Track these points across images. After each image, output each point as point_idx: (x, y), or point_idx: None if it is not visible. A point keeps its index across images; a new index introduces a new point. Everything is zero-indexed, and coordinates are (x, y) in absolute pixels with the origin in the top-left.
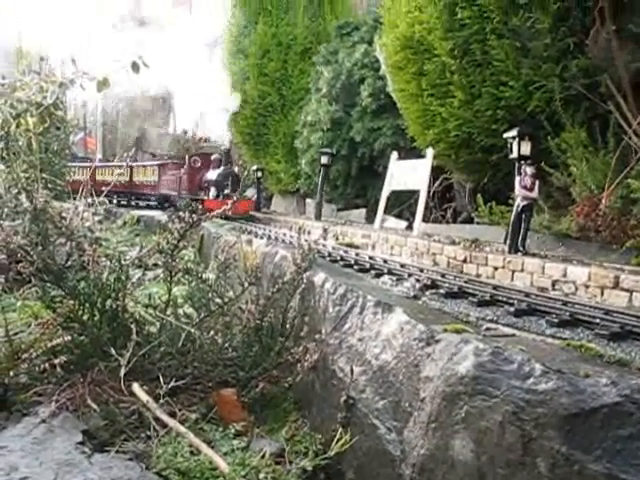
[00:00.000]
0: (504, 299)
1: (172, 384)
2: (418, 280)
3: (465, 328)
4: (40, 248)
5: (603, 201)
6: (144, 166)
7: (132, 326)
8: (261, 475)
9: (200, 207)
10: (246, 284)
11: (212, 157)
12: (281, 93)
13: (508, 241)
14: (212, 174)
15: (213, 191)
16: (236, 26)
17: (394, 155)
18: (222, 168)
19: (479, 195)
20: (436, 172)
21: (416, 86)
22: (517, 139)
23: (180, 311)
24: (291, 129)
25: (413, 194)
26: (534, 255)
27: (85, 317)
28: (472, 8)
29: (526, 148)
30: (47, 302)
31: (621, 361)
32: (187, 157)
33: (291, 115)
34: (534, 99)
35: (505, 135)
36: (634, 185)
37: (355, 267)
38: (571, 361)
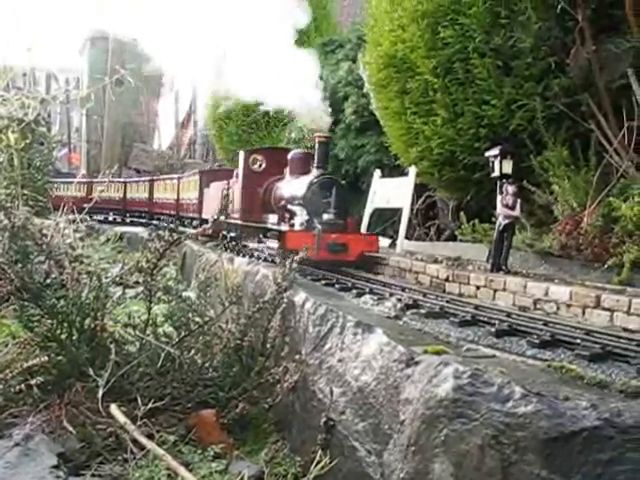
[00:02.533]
0: (485, 319)
1: (151, 405)
2: (399, 300)
3: (445, 349)
4: (19, 266)
5: (585, 219)
6: (188, 178)
7: (111, 346)
8: None
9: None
10: (227, 303)
11: (290, 155)
12: (265, 110)
13: (490, 259)
14: (296, 185)
15: (301, 215)
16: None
17: (377, 173)
18: (315, 173)
19: (462, 213)
20: (420, 190)
21: (399, 104)
22: (499, 157)
23: (160, 330)
24: (276, 146)
25: (396, 212)
26: (516, 274)
27: (63, 336)
28: (454, 27)
29: (508, 166)
30: (24, 321)
31: (602, 383)
32: (243, 154)
33: (275, 132)
34: (516, 118)
35: (487, 154)
36: (615, 203)
37: (337, 286)
38: (551, 383)
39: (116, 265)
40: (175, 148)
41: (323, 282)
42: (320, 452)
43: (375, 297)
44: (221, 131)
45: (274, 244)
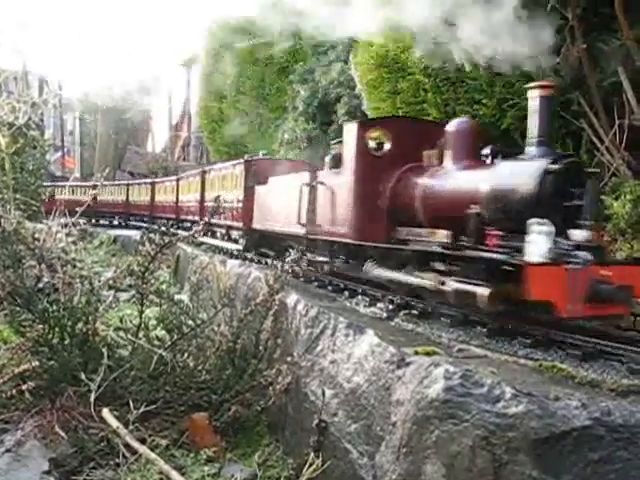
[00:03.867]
0: (477, 319)
1: (143, 409)
2: (392, 301)
3: (436, 350)
4: (10, 271)
5: None
6: (218, 172)
7: (103, 350)
8: None
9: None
10: (219, 306)
11: (453, 127)
12: (258, 111)
13: None
14: (504, 175)
15: (541, 233)
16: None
17: None
18: (537, 153)
19: None
20: None
21: (391, 104)
22: (490, 157)
23: (152, 334)
24: (268, 147)
25: None
26: None
27: (55, 341)
28: None
29: None
30: (16, 326)
31: (592, 382)
32: (355, 129)
33: (268, 133)
34: (508, 117)
35: None
36: (607, 201)
37: (329, 287)
38: (542, 383)
39: (109, 269)
40: (169, 150)
41: (316, 284)
42: (313, 454)
43: (367, 298)
44: (214, 133)
45: (460, 284)
